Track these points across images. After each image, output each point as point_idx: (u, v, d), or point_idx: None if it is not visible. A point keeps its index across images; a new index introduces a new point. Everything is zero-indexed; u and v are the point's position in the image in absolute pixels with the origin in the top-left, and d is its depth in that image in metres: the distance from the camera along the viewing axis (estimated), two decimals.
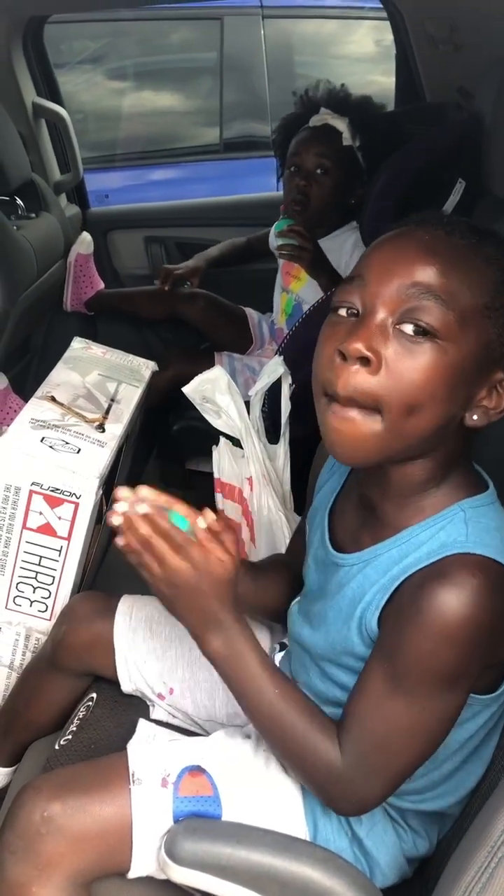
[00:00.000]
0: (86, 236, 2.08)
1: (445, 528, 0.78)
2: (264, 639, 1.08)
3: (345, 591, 0.83)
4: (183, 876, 0.80)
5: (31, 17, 1.93)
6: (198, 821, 0.85)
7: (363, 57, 3.79)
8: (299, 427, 1.72)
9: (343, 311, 0.76)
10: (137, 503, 0.76)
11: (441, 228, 0.76)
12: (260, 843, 0.81)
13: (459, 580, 0.72)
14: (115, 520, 0.76)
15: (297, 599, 0.97)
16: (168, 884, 0.85)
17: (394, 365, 0.72)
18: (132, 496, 0.77)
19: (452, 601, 0.71)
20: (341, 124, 1.71)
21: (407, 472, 0.79)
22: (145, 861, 0.85)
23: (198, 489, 1.81)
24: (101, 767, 0.89)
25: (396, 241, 0.77)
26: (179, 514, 0.77)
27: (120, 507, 0.76)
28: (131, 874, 0.85)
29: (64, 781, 0.87)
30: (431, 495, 0.80)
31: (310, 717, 0.81)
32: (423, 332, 0.72)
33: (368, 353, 0.71)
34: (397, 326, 0.72)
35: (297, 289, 1.88)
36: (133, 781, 0.86)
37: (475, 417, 0.76)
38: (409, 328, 0.72)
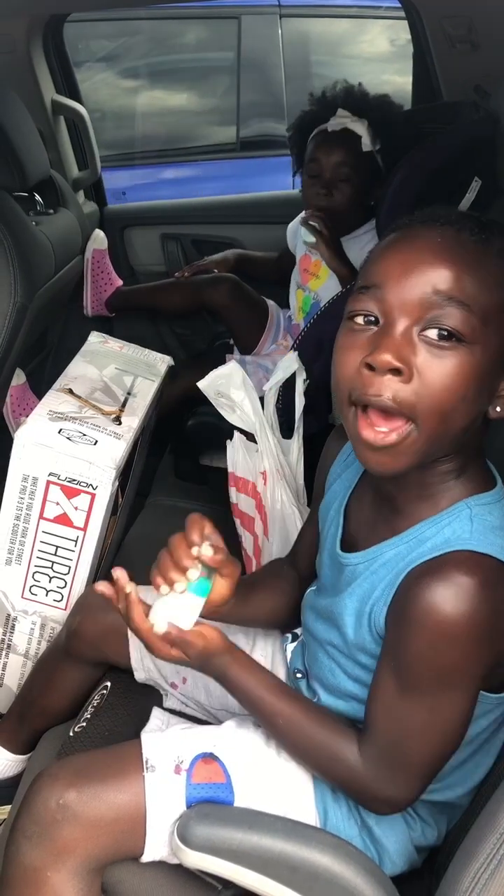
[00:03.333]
0: (99, 233, 2.09)
1: (451, 524, 0.79)
2: (273, 631, 1.09)
3: (353, 588, 0.85)
4: (195, 860, 0.82)
5: (52, 16, 1.94)
6: (210, 806, 0.86)
7: (376, 56, 3.79)
8: (313, 422, 1.73)
9: (360, 319, 0.76)
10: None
11: (450, 227, 0.75)
12: (271, 828, 0.82)
13: (456, 578, 0.73)
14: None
15: (311, 588, 0.98)
16: (180, 868, 0.87)
17: (425, 372, 0.72)
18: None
19: (448, 598, 0.72)
20: (360, 128, 1.68)
21: (429, 470, 0.80)
22: (158, 845, 0.86)
23: (211, 484, 1.83)
24: (116, 755, 0.91)
25: (407, 244, 0.76)
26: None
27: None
28: (144, 858, 0.86)
29: (79, 769, 0.88)
30: (446, 490, 0.81)
31: (325, 725, 0.84)
32: (448, 336, 0.72)
33: (399, 364, 0.72)
34: (422, 333, 0.73)
35: (315, 287, 1.89)
36: (147, 768, 0.87)
37: (499, 409, 0.77)
38: (433, 334, 0.72)
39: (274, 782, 0.91)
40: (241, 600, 1.00)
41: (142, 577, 1.19)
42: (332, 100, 1.73)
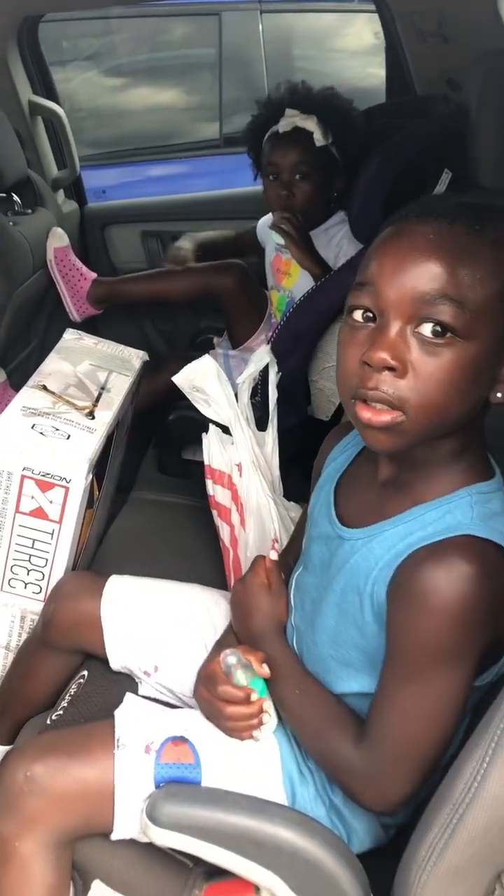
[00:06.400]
0: (57, 230, 1.96)
1: (452, 511, 0.80)
2: None
3: (351, 563, 0.86)
4: (163, 837, 0.84)
5: (26, 17, 1.96)
6: (178, 786, 0.89)
7: (362, 49, 3.80)
8: (291, 415, 1.75)
9: (359, 315, 0.78)
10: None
11: (443, 221, 0.75)
12: (236, 806, 0.85)
13: (457, 562, 0.75)
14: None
15: (297, 572, 1.00)
16: (151, 846, 0.90)
17: (420, 368, 0.74)
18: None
19: (450, 581, 0.74)
20: (310, 124, 1.69)
21: (430, 449, 0.81)
22: (128, 823, 0.89)
23: (194, 478, 1.85)
24: (87, 733, 0.94)
25: (400, 241, 0.76)
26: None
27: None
28: (114, 836, 0.89)
29: (49, 745, 0.91)
30: (445, 474, 0.82)
31: (328, 715, 0.87)
32: (441, 332, 0.73)
33: (394, 363, 0.74)
34: (416, 330, 0.74)
35: (289, 285, 1.91)
36: (117, 746, 0.90)
37: (500, 395, 0.78)
38: (427, 330, 0.74)
39: (243, 765, 0.93)
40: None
41: (123, 568, 1.22)
42: (278, 101, 1.74)
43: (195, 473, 1.86)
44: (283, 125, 1.73)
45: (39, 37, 2.09)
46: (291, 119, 1.73)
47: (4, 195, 1.85)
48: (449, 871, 0.77)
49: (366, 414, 0.76)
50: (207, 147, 3.52)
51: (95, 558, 1.52)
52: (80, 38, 3.81)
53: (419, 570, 0.76)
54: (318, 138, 1.72)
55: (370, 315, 0.77)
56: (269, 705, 0.92)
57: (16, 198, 1.89)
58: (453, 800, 0.76)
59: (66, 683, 1.17)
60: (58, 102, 2.17)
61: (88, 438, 1.21)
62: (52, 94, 2.17)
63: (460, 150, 1.58)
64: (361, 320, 0.77)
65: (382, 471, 0.86)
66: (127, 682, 1.14)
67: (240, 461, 1.42)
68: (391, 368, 0.74)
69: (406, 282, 0.74)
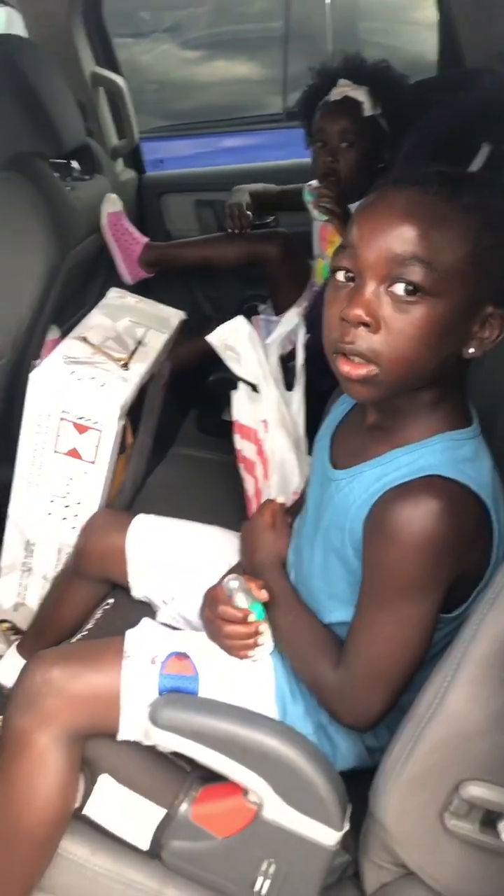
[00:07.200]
0: (110, 195, 2.03)
1: (424, 455, 0.87)
2: None
3: (336, 501, 0.95)
4: (162, 738, 0.94)
5: None
6: (178, 695, 0.99)
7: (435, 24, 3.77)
8: (324, 380, 1.81)
9: (341, 276, 0.84)
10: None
11: (418, 187, 0.81)
12: (227, 714, 0.94)
13: (424, 499, 0.82)
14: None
15: (299, 517, 1.09)
16: (153, 750, 1.00)
17: (392, 324, 0.80)
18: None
19: (417, 516, 0.81)
20: (361, 94, 1.74)
21: (410, 398, 0.88)
22: (132, 726, 0.99)
23: (230, 437, 1.93)
24: (100, 644, 1.05)
25: (375, 208, 0.82)
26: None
27: None
28: (120, 736, 1.00)
29: (66, 653, 1.03)
30: (422, 421, 0.89)
31: (315, 640, 0.96)
32: (412, 290, 0.80)
33: (368, 319, 0.80)
34: (389, 289, 0.80)
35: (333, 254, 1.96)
36: (126, 657, 1.00)
37: (472, 350, 0.84)
38: (399, 289, 0.80)
39: (240, 682, 1.03)
40: None
41: (156, 513, 1.32)
42: (332, 71, 1.79)
43: (231, 434, 1.96)
44: (335, 94, 1.78)
45: (104, 10, 2.19)
46: (343, 89, 1.78)
47: (64, 161, 1.95)
48: (412, 779, 0.85)
49: (345, 367, 0.84)
50: (271, 121, 3.56)
51: (132, 506, 1.63)
52: (160, 10, 3.88)
53: (390, 507, 0.84)
54: (367, 108, 1.76)
55: (351, 275, 0.83)
56: (265, 628, 1.01)
57: (74, 164, 1.99)
58: (419, 715, 0.84)
59: (94, 610, 1.29)
60: (120, 74, 2.26)
61: (122, 387, 1.31)
62: (114, 66, 2.26)
63: (502, 124, 1.61)
64: (343, 280, 0.84)
65: (369, 417, 0.93)
66: (147, 610, 1.25)
67: (265, 418, 1.49)
68: (366, 324, 0.80)
69: (381, 244, 0.80)
